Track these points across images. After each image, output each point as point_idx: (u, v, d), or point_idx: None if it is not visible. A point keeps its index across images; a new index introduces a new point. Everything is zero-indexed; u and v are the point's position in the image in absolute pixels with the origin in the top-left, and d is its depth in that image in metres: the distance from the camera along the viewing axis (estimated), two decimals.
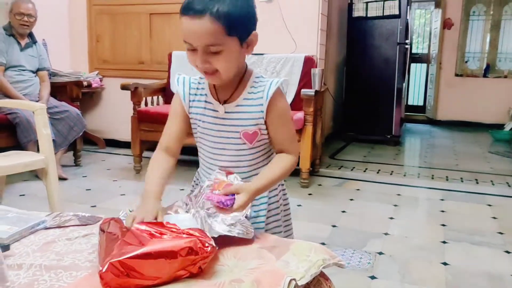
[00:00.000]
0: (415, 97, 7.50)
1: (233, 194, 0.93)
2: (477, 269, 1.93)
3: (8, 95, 3.00)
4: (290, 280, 0.75)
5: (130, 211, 0.97)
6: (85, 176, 3.29)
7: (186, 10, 0.92)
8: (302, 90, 3.03)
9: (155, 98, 3.72)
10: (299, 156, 1.10)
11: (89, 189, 2.99)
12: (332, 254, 0.91)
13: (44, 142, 2.18)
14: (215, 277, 0.78)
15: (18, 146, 2.84)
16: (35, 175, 3.13)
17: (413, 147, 5.16)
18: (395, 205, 2.79)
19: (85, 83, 3.75)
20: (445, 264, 1.96)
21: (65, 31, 4.24)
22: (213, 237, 0.82)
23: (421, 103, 7.40)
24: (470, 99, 6.53)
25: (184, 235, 0.79)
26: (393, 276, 1.85)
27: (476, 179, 3.47)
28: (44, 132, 2.18)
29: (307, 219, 2.51)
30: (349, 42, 4.86)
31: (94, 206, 2.64)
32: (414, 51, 7.18)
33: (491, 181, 3.43)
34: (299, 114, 3.00)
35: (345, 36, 4.87)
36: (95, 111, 4.33)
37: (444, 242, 2.21)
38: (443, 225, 2.46)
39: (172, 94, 4.09)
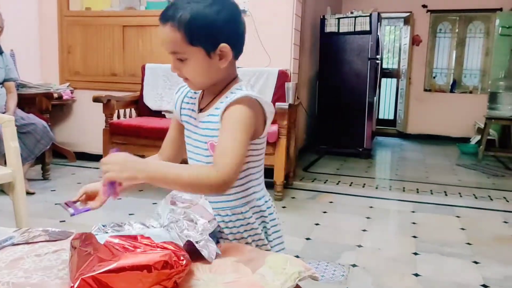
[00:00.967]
0: (386, 111, 7.69)
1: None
2: (447, 279, 1.97)
3: None
4: None
5: (103, 226, 0.95)
6: (54, 190, 3.20)
7: (159, 17, 0.95)
8: (276, 103, 3.06)
9: (127, 110, 3.67)
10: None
11: (58, 204, 2.90)
12: (307, 267, 0.91)
13: (12, 155, 2.11)
14: None
15: None
16: (0, 189, 3.02)
17: (384, 160, 5.26)
18: (368, 217, 2.83)
19: (55, 95, 3.66)
20: (416, 275, 2.00)
21: (35, 41, 4.15)
22: (187, 251, 0.81)
23: (391, 117, 7.58)
24: (438, 113, 6.74)
25: (159, 249, 0.78)
26: None
27: (445, 191, 3.57)
28: (12, 145, 2.11)
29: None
30: (322, 56, 4.95)
31: (63, 221, 2.56)
32: (384, 66, 7.38)
33: (459, 193, 3.53)
34: (273, 127, 3.02)
35: (318, 51, 4.96)
36: (66, 124, 4.24)
37: (415, 253, 2.26)
38: (414, 236, 2.50)
39: (145, 106, 4.02)
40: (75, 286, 0.70)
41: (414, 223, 2.75)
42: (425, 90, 6.88)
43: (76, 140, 4.20)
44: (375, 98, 5.16)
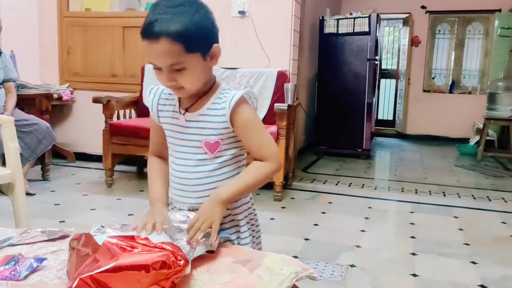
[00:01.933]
0: (385, 112, 7.70)
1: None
2: (445, 280, 1.97)
3: None
4: None
5: (102, 226, 0.95)
6: (54, 191, 3.21)
7: (144, 34, 0.94)
8: (275, 104, 3.07)
9: (127, 111, 3.68)
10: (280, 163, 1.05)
11: (58, 204, 2.91)
12: (304, 267, 0.92)
13: (11, 155, 2.12)
14: None
15: None
16: None
17: (383, 161, 5.27)
18: (366, 218, 2.84)
19: (55, 96, 3.67)
20: (414, 275, 2.00)
21: (35, 42, 4.16)
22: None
23: (391, 117, 7.59)
24: (437, 114, 6.75)
25: (157, 249, 0.79)
26: None
27: (444, 192, 3.58)
28: (11, 146, 2.12)
29: (280, 233, 2.52)
30: (321, 57, 4.96)
31: (63, 221, 2.57)
32: (383, 67, 7.40)
33: (458, 193, 3.54)
34: (272, 128, 3.03)
35: (317, 52, 4.97)
36: (65, 124, 4.24)
37: (413, 254, 2.26)
38: (413, 237, 2.51)
39: (144, 107, 4.04)
40: (74, 286, 0.71)
41: (412, 223, 2.76)
42: (424, 90, 6.89)
43: (76, 140, 4.20)
44: (374, 98, 5.17)
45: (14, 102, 3.20)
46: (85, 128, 4.11)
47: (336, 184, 3.73)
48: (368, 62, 4.78)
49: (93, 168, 3.90)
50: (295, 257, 2.12)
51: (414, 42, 6.82)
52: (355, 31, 4.75)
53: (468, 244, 2.42)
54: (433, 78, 6.99)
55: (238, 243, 1.06)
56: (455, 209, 3.10)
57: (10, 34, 3.27)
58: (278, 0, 3.56)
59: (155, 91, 1.12)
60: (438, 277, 2.00)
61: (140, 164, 3.71)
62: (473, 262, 2.17)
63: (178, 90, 1.00)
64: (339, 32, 4.81)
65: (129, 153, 3.26)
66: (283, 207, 3.00)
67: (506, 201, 3.34)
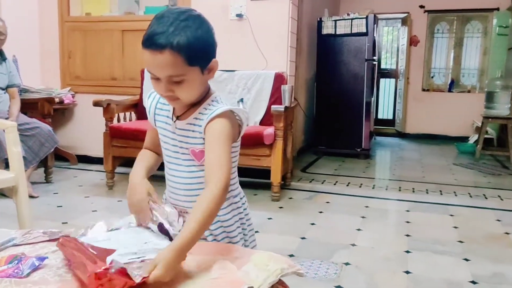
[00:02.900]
0: (384, 111, 7.74)
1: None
2: (438, 277, 2.02)
3: None
4: None
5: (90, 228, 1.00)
6: (56, 193, 3.27)
7: (147, 44, 0.97)
8: (272, 106, 3.12)
9: (127, 114, 3.74)
10: (228, 184, 0.97)
11: (60, 206, 2.97)
12: (291, 264, 0.97)
13: (15, 159, 2.18)
14: (179, 287, 0.83)
15: None
16: (1, 193, 3.09)
17: (382, 160, 5.31)
18: (363, 217, 2.88)
19: (57, 100, 3.74)
20: (407, 272, 2.05)
21: (36, 47, 4.23)
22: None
23: (390, 116, 7.63)
24: (437, 113, 6.79)
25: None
26: (358, 286, 1.92)
27: (441, 191, 3.62)
28: (14, 150, 2.18)
29: (277, 232, 2.57)
30: (319, 58, 5.01)
31: (66, 223, 2.63)
32: (383, 66, 7.44)
33: (454, 192, 3.58)
34: (270, 130, 3.08)
35: (315, 53, 5.02)
36: (67, 127, 4.31)
37: (407, 251, 2.31)
38: (408, 235, 2.56)
39: (144, 110, 4.10)
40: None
41: (408, 222, 2.81)
42: (423, 90, 6.93)
43: (77, 143, 4.27)
44: (372, 98, 5.21)
45: (19, 107, 3.27)
46: (86, 131, 4.17)
47: (335, 184, 3.78)
48: (366, 63, 4.83)
49: (95, 170, 3.96)
50: (291, 255, 2.18)
51: (412, 41, 6.86)
52: (352, 32, 4.80)
53: (462, 242, 2.46)
54: (432, 77, 7.03)
55: (229, 242, 1.10)
56: (451, 207, 3.15)
57: (12, 39, 3.32)
58: (275, 3, 3.61)
59: (154, 96, 1.16)
60: (431, 274, 2.05)
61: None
62: (466, 259, 2.22)
63: (174, 100, 1.04)
64: (337, 33, 4.86)
65: (129, 156, 3.32)
66: (281, 207, 3.06)
67: (502, 199, 3.38)
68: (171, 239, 0.97)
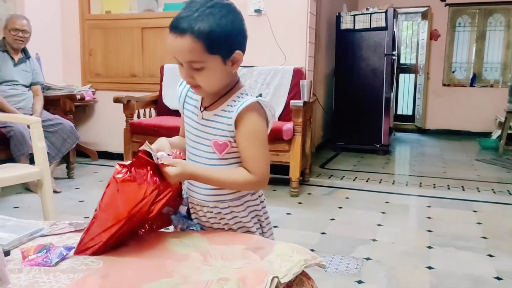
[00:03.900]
0: (404, 107, 7.63)
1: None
2: (461, 272, 1.99)
3: (2, 109, 3.05)
4: (273, 278, 0.81)
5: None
6: (78, 188, 3.33)
7: (172, 28, 0.98)
8: (291, 101, 3.11)
9: (147, 110, 3.78)
10: (266, 179, 1.05)
11: (82, 201, 3.03)
12: (313, 255, 0.97)
13: (39, 154, 2.23)
14: (204, 276, 0.84)
15: (10, 159, 2.88)
16: (26, 188, 3.17)
17: (402, 156, 5.25)
18: (383, 212, 2.86)
19: (78, 96, 3.80)
20: (430, 268, 2.03)
21: (58, 45, 4.30)
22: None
23: (410, 112, 7.52)
24: (458, 108, 6.66)
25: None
26: (379, 281, 1.91)
27: (463, 186, 3.56)
28: (39, 145, 2.23)
29: (297, 227, 2.56)
30: (338, 53, 4.97)
31: (87, 217, 2.67)
32: (402, 61, 7.33)
33: (477, 188, 3.51)
34: (289, 125, 3.07)
35: (334, 48, 4.98)
36: (88, 124, 4.38)
37: (429, 247, 2.28)
38: (429, 231, 2.53)
39: (164, 106, 4.12)
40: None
41: (429, 217, 2.77)
42: (444, 85, 6.81)
43: (98, 139, 4.34)
44: (392, 94, 5.15)
45: (42, 104, 3.34)
46: (107, 127, 4.23)
47: (354, 180, 3.75)
48: (385, 57, 4.77)
49: (115, 166, 4.01)
50: (312, 250, 2.17)
51: (433, 35, 6.74)
52: (371, 26, 4.74)
53: (485, 238, 2.42)
54: (453, 72, 6.90)
55: None
56: (474, 203, 3.09)
57: (35, 38, 3.40)
58: None
59: (185, 84, 1.14)
60: (454, 269, 2.02)
61: None
62: (490, 255, 2.18)
63: (195, 88, 1.05)
64: (356, 28, 4.81)
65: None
66: (300, 203, 3.05)
67: None
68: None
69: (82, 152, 4.15)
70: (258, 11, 3.62)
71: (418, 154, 5.25)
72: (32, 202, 2.85)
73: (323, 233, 2.45)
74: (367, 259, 2.11)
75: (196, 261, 0.90)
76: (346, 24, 4.84)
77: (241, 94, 1.07)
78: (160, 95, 3.78)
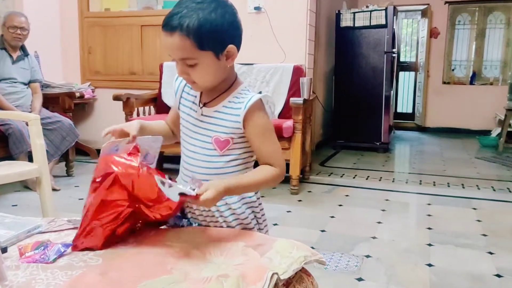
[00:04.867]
0: (404, 105, 7.62)
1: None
2: (461, 269, 1.99)
3: (0, 107, 3.04)
4: (273, 274, 0.81)
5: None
6: (77, 186, 3.32)
7: (163, 26, 0.97)
8: (291, 98, 3.10)
9: (146, 108, 3.77)
10: (286, 167, 1.08)
11: (81, 199, 3.02)
12: (313, 252, 0.97)
13: (38, 152, 2.22)
14: (204, 273, 0.83)
15: (8, 157, 2.86)
16: (25, 186, 3.16)
17: (402, 154, 5.24)
18: (383, 210, 2.85)
19: (77, 94, 3.79)
20: (430, 265, 2.02)
21: (57, 43, 4.29)
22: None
23: (410, 110, 7.52)
24: (458, 106, 6.66)
25: None
26: (379, 278, 1.90)
27: (463, 184, 3.55)
28: (38, 142, 2.22)
29: (297, 225, 2.56)
30: (338, 51, 4.96)
31: None
32: (402, 59, 7.32)
33: (477, 185, 3.51)
34: (289, 123, 3.07)
35: (334, 46, 4.97)
36: (88, 122, 4.37)
37: (429, 244, 2.28)
38: (429, 228, 2.52)
39: (163, 104, 4.10)
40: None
41: (429, 215, 2.77)
42: (444, 83, 6.80)
43: (97, 137, 4.32)
44: (391, 91, 5.14)
45: (41, 102, 3.33)
46: (106, 125, 4.12)
47: (354, 178, 3.74)
48: (385, 55, 4.76)
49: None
50: (311, 248, 2.16)
51: (433, 33, 6.73)
52: (371, 24, 4.73)
53: (485, 235, 2.41)
54: (453, 70, 6.89)
55: None
56: (474, 201, 3.08)
57: (33, 35, 3.38)
58: None
59: (182, 79, 1.13)
60: (454, 267, 2.01)
61: (159, 159, 3.80)
62: (490, 253, 2.17)
63: (191, 84, 1.04)
64: (356, 25, 4.80)
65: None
66: (300, 200, 3.04)
67: None
68: None
69: (81, 150, 4.14)
70: (257, 8, 3.61)
71: (418, 152, 5.24)
72: (31, 200, 2.85)
73: (323, 231, 2.45)
74: (367, 256, 2.11)
75: (195, 258, 0.90)
76: (346, 21, 4.83)
77: (242, 90, 1.07)
78: (160, 93, 3.77)
